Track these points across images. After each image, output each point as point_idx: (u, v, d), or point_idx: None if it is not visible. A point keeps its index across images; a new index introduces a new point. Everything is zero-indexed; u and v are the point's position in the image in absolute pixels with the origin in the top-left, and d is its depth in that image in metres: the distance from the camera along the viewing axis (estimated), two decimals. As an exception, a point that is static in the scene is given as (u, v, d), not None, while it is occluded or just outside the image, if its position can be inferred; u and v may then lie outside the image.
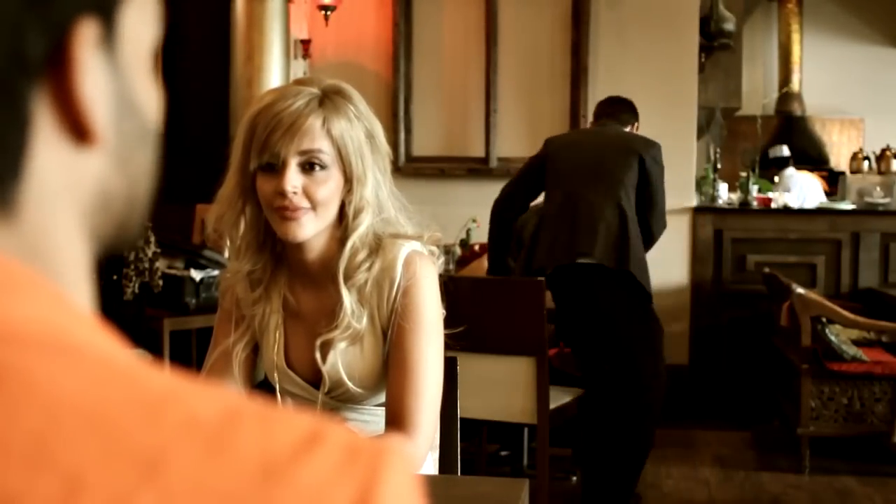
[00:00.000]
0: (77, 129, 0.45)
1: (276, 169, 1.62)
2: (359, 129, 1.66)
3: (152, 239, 4.22)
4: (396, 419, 1.66)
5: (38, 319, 0.41)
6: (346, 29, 5.77)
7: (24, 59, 0.42)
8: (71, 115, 0.44)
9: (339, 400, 1.76)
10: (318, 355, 1.71)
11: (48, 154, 0.44)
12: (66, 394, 0.39)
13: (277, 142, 1.60)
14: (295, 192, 1.61)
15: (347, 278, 1.68)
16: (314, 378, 1.75)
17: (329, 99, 1.64)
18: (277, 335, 1.76)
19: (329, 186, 1.64)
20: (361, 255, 1.69)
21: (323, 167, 1.63)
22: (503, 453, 4.37)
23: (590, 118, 5.64)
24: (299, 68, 5.73)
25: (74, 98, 0.44)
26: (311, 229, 1.65)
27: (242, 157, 1.65)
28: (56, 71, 0.43)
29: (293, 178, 1.61)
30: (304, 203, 1.63)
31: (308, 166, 1.63)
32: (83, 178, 0.46)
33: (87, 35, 0.44)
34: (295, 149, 1.61)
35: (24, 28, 0.42)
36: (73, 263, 0.46)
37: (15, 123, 0.42)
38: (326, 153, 1.63)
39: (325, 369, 1.71)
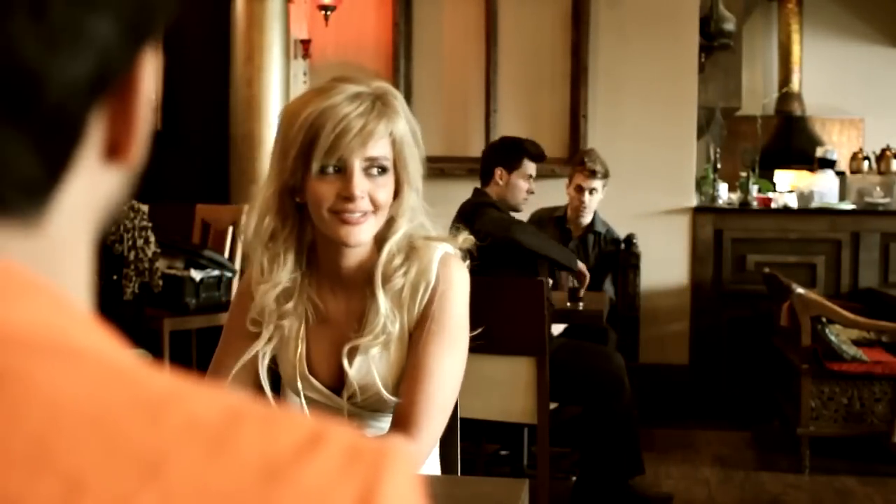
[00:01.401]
0: (122, 150, 0.46)
1: (339, 172, 1.61)
2: (409, 134, 1.67)
3: (152, 239, 4.21)
4: (402, 418, 1.65)
5: (38, 322, 0.41)
6: (346, 29, 5.76)
7: (104, 82, 0.43)
8: (125, 137, 0.45)
9: (361, 406, 1.73)
10: (345, 361, 1.68)
11: (83, 171, 0.45)
12: (66, 396, 0.39)
13: (347, 145, 1.58)
14: (362, 197, 1.61)
15: (385, 282, 1.67)
16: (336, 384, 1.73)
17: (385, 102, 1.63)
18: (300, 341, 1.73)
19: (387, 190, 1.64)
20: (398, 260, 1.68)
21: (384, 171, 1.64)
22: (503, 453, 4.37)
23: (590, 118, 5.67)
24: (299, 68, 5.73)
25: (132, 122, 0.45)
26: (369, 233, 1.65)
27: (295, 161, 1.61)
28: (121, 95, 0.45)
29: (361, 183, 1.61)
30: (369, 207, 1.63)
31: (371, 170, 1.62)
32: (103, 193, 0.47)
33: (149, 63, 0.46)
34: (362, 154, 1.60)
35: (113, 54, 0.43)
36: (78, 272, 0.47)
37: (71, 141, 0.43)
38: (388, 159, 1.64)
39: (351, 375, 1.69)
